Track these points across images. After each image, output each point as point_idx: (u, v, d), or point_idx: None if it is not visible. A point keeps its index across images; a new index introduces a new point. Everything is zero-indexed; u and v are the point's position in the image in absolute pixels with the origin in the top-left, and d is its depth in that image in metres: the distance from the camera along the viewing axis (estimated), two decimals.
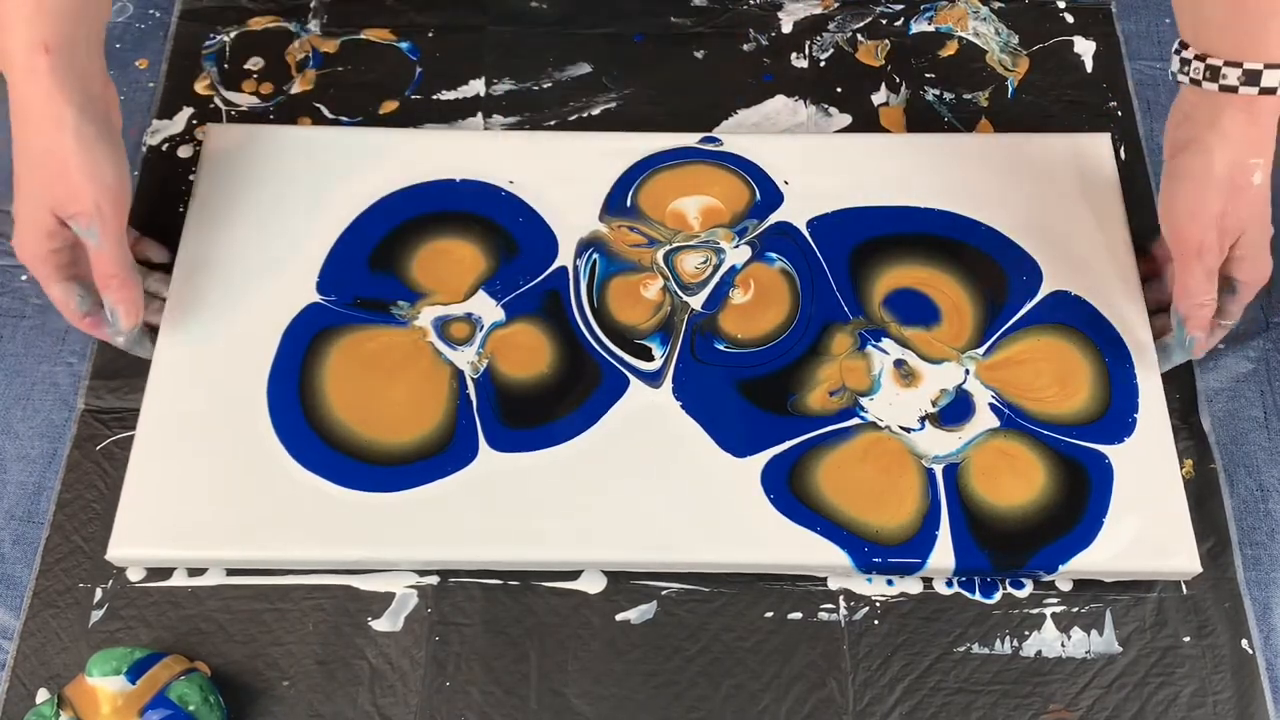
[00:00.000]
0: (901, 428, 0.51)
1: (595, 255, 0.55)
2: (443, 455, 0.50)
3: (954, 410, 0.52)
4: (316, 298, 0.54)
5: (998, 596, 0.49)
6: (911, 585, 0.49)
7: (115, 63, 0.64)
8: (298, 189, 0.57)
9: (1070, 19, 0.65)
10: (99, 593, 0.50)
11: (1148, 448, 0.51)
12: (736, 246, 0.56)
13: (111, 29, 0.65)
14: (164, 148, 0.61)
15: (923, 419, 0.51)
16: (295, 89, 0.62)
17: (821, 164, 0.58)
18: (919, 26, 0.65)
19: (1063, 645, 0.48)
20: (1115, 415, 0.51)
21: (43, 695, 0.48)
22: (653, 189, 0.57)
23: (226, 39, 0.64)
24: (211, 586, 0.50)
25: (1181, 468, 0.51)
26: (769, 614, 0.49)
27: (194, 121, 0.61)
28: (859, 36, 0.64)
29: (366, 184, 0.57)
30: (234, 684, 0.48)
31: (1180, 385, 0.54)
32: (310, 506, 0.49)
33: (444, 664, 0.48)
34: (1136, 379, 0.52)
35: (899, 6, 0.66)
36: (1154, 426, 0.51)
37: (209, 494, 0.49)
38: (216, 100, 0.62)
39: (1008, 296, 0.55)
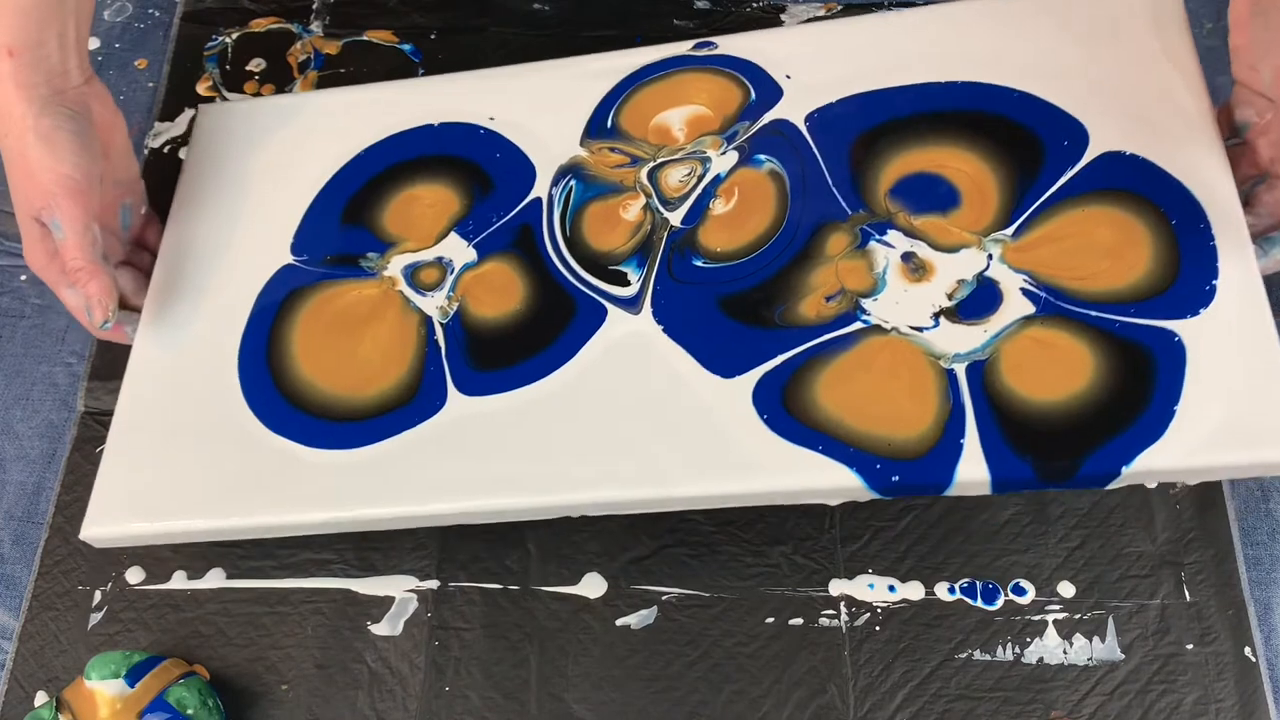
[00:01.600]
0: (912, 327, 0.45)
1: (572, 181, 0.52)
2: (410, 406, 0.47)
3: (976, 301, 0.46)
4: (290, 259, 0.52)
5: (1000, 603, 0.49)
6: (913, 592, 0.49)
7: (115, 63, 0.64)
8: (282, 156, 0.56)
9: None
10: (98, 595, 0.50)
11: (1232, 317, 0.43)
12: (723, 153, 0.51)
13: (111, 29, 0.65)
14: (165, 150, 0.61)
15: (936, 315, 0.45)
16: (297, 90, 0.62)
17: (830, 51, 0.53)
18: None
19: (1065, 652, 0.48)
20: (1188, 284, 0.44)
21: (41, 698, 0.48)
22: (635, 106, 0.54)
23: (228, 40, 0.64)
24: (211, 590, 0.50)
25: None
26: (770, 619, 0.49)
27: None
28: None
29: (349, 140, 0.55)
30: (233, 687, 0.48)
31: None
32: (280, 471, 0.47)
33: (443, 669, 0.48)
34: (1214, 239, 0.44)
35: (904, 9, 0.65)
36: (1240, 291, 0.43)
37: (183, 469, 0.47)
38: (218, 101, 0.62)
39: (1043, 166, 0.48)
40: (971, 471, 0.42)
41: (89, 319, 0.48)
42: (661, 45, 0.55)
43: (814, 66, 0.53)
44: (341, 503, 0.46)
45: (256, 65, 0.63)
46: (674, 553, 0.50)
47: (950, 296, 0.46)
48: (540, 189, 0.52)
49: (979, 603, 0.49)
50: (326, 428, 0.47)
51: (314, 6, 0.65)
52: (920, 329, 0.45)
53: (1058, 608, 0.49)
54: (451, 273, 0.50)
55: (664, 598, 0.49)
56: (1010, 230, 0.47)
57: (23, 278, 0.58)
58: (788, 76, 0.53)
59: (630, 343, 0.47)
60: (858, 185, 0.49)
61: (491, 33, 0.64)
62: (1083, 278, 0.45)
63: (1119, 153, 0.48)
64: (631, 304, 0.48)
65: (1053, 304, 0.45)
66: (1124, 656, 0.48)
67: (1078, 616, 0.49)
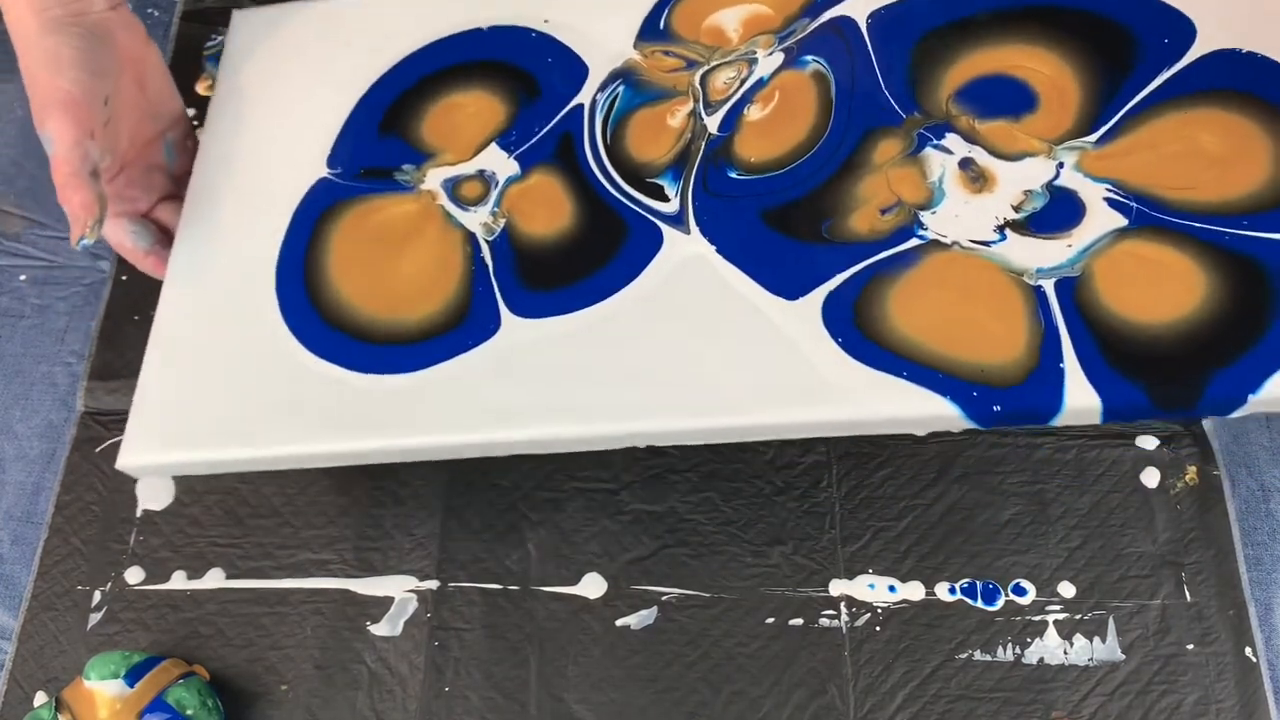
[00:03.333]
0: (975, 241, 0.42)
1: (620, 87, 0.49)
2: (461, 329, 0.44)
3: (1052, 214, 0.42)
4: (325, 173, 0.49)
5: (1000, 603, 0.49)
6: (913, 592, 0.49)
7: None
8: (321, 63, 0.53)
9: None
10: (97, 595, 0.50)
11: None
12: (770, 54, 0.48)
13: None
14: None
15: (1001, 228, 0.42)
16: None
17: None
18: None
19: (1065, 653, 0.48)
20: None
21: (41, 698, 0.48)
22: (690, 5, 0.50)
23: None
24: (210, 590, 0.50)
25: (1184, 474, 0.51)
26: (770, 620, 0.49)
27: (195, 123, 0.61)
28: None
29: (392, 46, 0.52)
30: (232, 688, 0.48)
31: None
32: (326, 397, 0.43)
33: (443, 669, 0.48)
34: None
35: None
36: None
37: (223, 395, 0.44)
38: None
39: (1135, 66, 0.44)
40: (1080, 399, 0.38)
41: (70, 234, 0.45)
42: None
43: None
44: (394, 431, 0.42)
45: None
46: (674, 553, 0.50)
47: (1017, 209, 0.42)
48: (586, 94, 0.49)
49: (979, 603, 0.49)
50: (372, 351, 0.44)
51: None
52: (985, 243, 0.42)
53: (1058, 608, 0.49)
54: (495, 186, 0.47)
55: (664, 598, 0.49)
56: (1093, 137, 0.43)
57: (22, 277, 0.58)
58: None
59: (689, 265, 0.44)
60: (916, 87, 0.46)
61: None
62: (1184, 188, 0.41)
63: (1232, 50, 0.44)
64: (677, 221, 0.45)
65: (1148, 215, 0.41)
66: (1124, 657, 0.48)
67: (1078, 617, 0.49)
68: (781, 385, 0.41)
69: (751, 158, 0.46)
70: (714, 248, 0.44)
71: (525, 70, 0.50)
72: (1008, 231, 0.42)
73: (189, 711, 0.44)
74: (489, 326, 0.44)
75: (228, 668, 0.48)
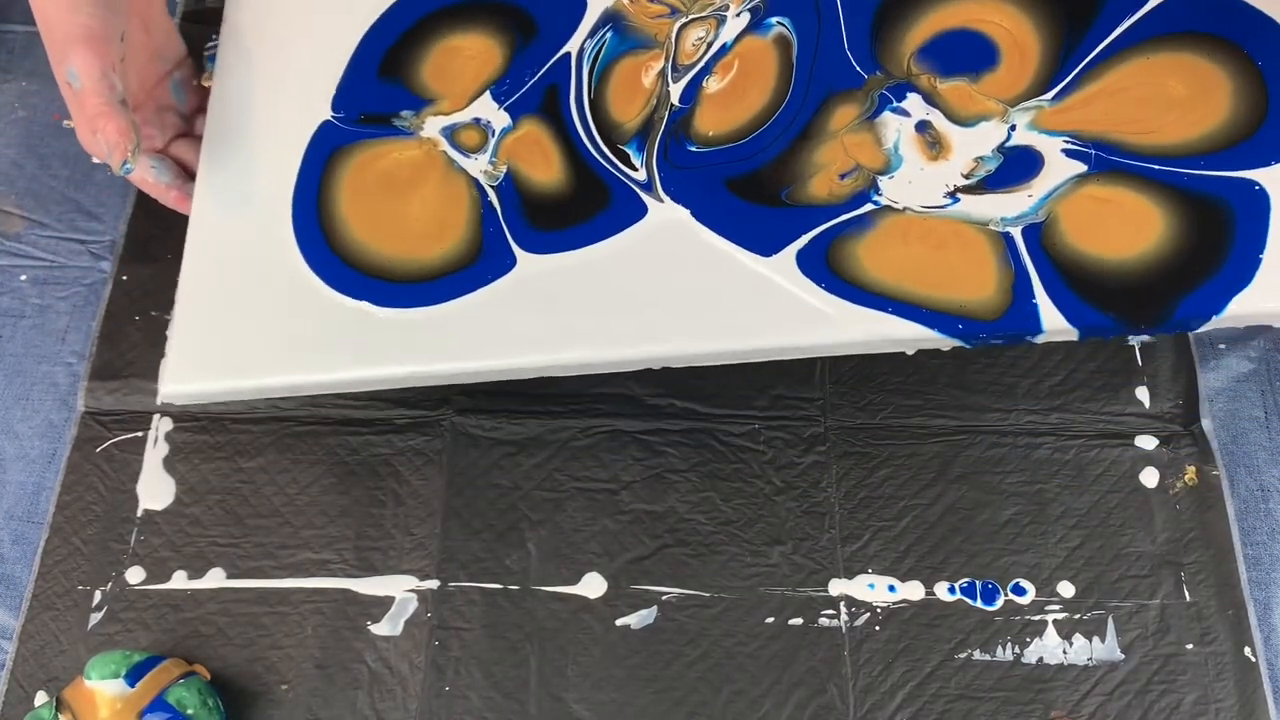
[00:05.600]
0: (925, 207, 0.44)
1: (608, 34, 0.50)
2: (478, 265, 0.46)
3: (1009, 171, 0.43)
4: (328, 115, 0.50)
5: (1000, 603, 0.49)
6: (913, 592, 0.49)
7: None
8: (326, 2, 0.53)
9: None
10: (98, 595, 0.50)
11: None
12: (738, 14, 0.49)
13: None
14: None
15: (952, 193, 0.44)
16: None
17: None
18: None
19: (1064, 652, 0.48)
20: (1276, 128, 0.42)
21: (41, 698, 0.48)
22: None
23: None
24: (211, 590, 0.50)
25: (1184, 474, 0.51)
26: (769, 619, 0.49)
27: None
28: None
29: None
30: (233, 687, 0.48)
31: (1181, 391, 0.54)
32: (356, 328, 0.45)
33: (443, 669, 0.48)
34: None
35: None
36: None
37: (257, 326, 0.46)
38: None
39: (1099, 15, 0.45)
40: (1057, 324, 0.41)
41: (110, 163, 0.46)
42: None
43: None
44: (425, 357, 0.45)
45: None
46: (674, 553, 0.50)
47: (967, 175, 0.44)
48: (576, 41, 0.50)
49: (979, 603, 0.49)
50: (393, 288, 0.46)
51: None
52: (934, 208, 0.43)
53: (1058, 608, 0.49)
54: (492, 136, 0.49)
55: (664, 598, 0.49)
56: (1049, 95, 0.44)
57: (22, 277, 0.58)
58: None
59: (670, 226, 0.45)
60: (879, 45, 0.46)
61: None
62: (1144, 131, 0.43)
63: None
64: (648, 189, 0.46)
65: (1107, 160, 0.43)
66: (1124, 656, 0.48)
67: (1078, 616, 0.49)
68: (779, 314, 0.43)
69: (709, 132, 0.47)
70: (689, 212, 0.46)
71: (523, 9, 0.51)
72: (960, 195, 0.44)
73: (190, 711, 0.44)
74: (505, 262, 0.46)
75: (228, 667, 0.48)
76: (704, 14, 0.49)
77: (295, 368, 0.45)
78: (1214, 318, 0.41)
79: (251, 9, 0.53)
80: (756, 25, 0.49)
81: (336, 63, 0.51)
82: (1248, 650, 0.48)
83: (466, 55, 0.51)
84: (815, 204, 0.45)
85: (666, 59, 0.49)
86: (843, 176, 0.45)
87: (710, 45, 0.49)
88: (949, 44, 0.46)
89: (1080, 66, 0.45)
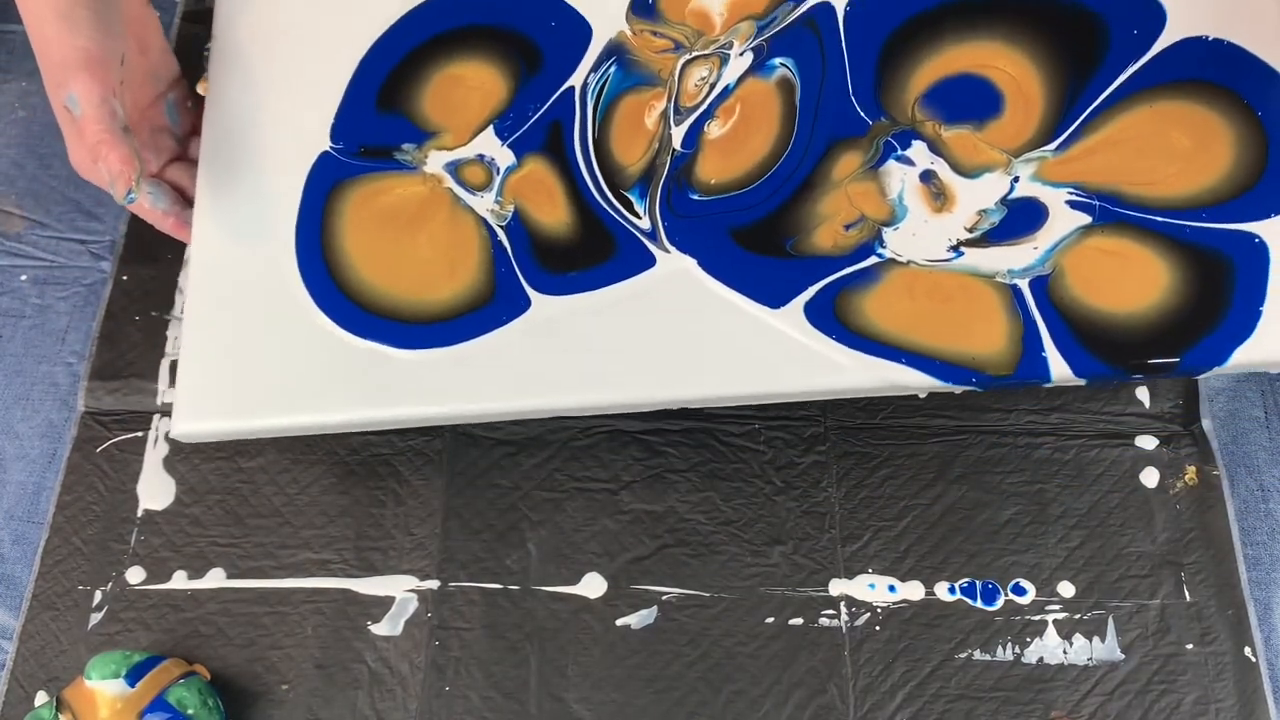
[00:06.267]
0: (929, 260, 0.43)
1: (612, 68, 0.48)
2: (492, 305, 0.45)
3: (1013, 223, 0.43)
4: (328, 146, 0.49)
5: (1000, 603, 0.49)
6: (913, 592, 0.49)
7: None
8: (322, 11, 0.51)
9: None
10: (98, 595, 0.50)
11: None
12: (741, 53, 0.48)
13: None
14: None
15: (955, 247, 0.44)
16: None
17: None
18: None
19: (1065, 652, 0.48)
20: (1276, 181, 0.43)
21: (41, 698, 0.48)
22: None
23: None
24: (211, 590, 0.50)
25: (1184, 474, 0.51)
26: (770, 619, 0.49)
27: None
28: None
29: (393, 1, 0.51)
30: (233, 687, 0.48)
31: (1181, 391, 0.54)
32: (371, 369, 0.45)
33: (443, 669, 0.48)
34: None
35: None
36: None
37: (265, 365, 0.45)
38: None
39: (1103, 62, 0.45)
40: (1066, 374, 0.42)
41: (113, 193, 0.46)
42: None
43: None
44: (444, 398, 0.44)
45: None
46: (674, 553, 0.50)
47: (970, 229, 0.44)
48: (580, 75, 0.49)
49: (979, 603, 0.49)
50: (407, 329, 0.45)
51: None
52: (939, 261, 0.43)
53: (1058, 608, 0.49)
54: (497, 174, 0.48)
55: (664, 598, 0.49)
56: (1052, 146, 0.44)
57: (23, 277, 0.58)
58: None
59: (677, 276, 0.45)
60: (884, 90, 0.46)
61: None
62: (1147, 183, 0.43)
63: (1199, 38, 0.45)
64: (652, 238, 0.46)
65: (1111, 211, 0.43)
66: (1124, 656, 0.48)
67: (1078, 616, 0.49)
68: (791, 360, 0.43)
69: (711, 180, 0.46)
70: (695, 262, 0.45)
71: (528, 37, 0.50)
72: (964, 249, 0.44)
73: (190, 711, 0.44)
74: (519, 303, 0.45)
75: (228, 667, 0.48)
76: (707, 51, 0.48)
77: (308, 409, 0.45)
78: (1217, 368, 0.41)
79: (243, 26, 0.52)
80: (760, 66, 0.48)
81: (333, 89, 0.50)
82: (1248, 650, 0.48)
83: (469, 86, 0.49)
84: (820, 255, 0.44)
85: (669, 99, 0.48)
86: (847, 227, 0.45)
87: (713, 86, 0.48)
88: (954, 90, 0.46)
89: (1084, 115, 0.45)
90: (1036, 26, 0.46)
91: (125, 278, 0.57)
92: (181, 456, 0.53)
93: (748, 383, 0.43)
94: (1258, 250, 0.42)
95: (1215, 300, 0.42)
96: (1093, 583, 0.49)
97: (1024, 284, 0.43)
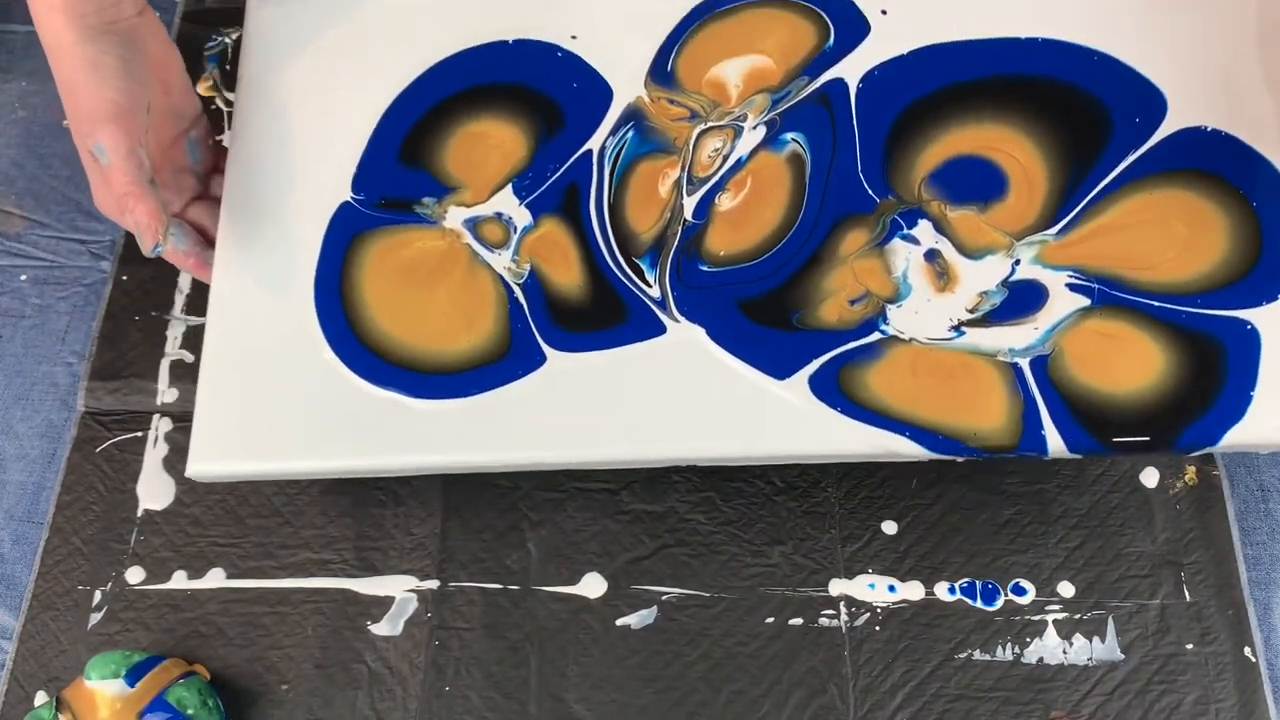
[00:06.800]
0: (931, 339, 0.45)
1: (630, 133, 0.49)
2: (508, 360, 0.46)
3: (1014, 304, 0.45)
4: (349, 196, 0.49)
5: (1000, 603, 0.49)
6: (913, 592, 0.49)
7: None
8: (344, 66, 0.52)
9: None
10: (98, 595, 0.50)
11: None
12: (755, 127, 0.49)
13: None
14: None
15: (957, 327, 0.45)
16: None
17: None
18: None
19: (1064, 652, 0.48)
20: (1268, 270, 0.44)
21: (41, 698, 0.48)
22: (695, 49, 0.50)
23: (228, 40, 0.64)
24: (211, 590, 0.50)
25: (1184, 474, 0.51)
26: (770, 619, 0.49)
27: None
28: None
29: (416, 52, 0.51)
30: (233, 687, 0.48)
31: None
32: (387, 417, 0.45)
33: (443, 669, 0.48)
34: None
35: None
36: None
37: (283, 409, 0.46)
38: (219, 101, 0.62)
39: (1106, 149, 0.46)
40: (1062, 451, 0.43)
41: (140, 244, 0.46)
42: None
43: (906, 1, 0.49)
44: (459, 448, 0.45)
45: None
46: (674, 553, 0.50)
47: (972, 310, 0.45)
48: (599, 138, 0.49)
49: (979, 603, 0.49)
50: (424, 379, 0.46)
51: None
52: (940, 340, 0.45)
53: (1058, 608, 0.49)
54: (514, 232, 0.48)
55: (664, 598, 0.49)
56: (1054, 230, 0.46)
57: (23, 277, 0.58)
58: (884, 12, 0.50)
59: (687, 346, 0.46)
60: (892, 168, 0.47)
61: None
62: (1145, 268, 0.45)
63: (1198, 128, 0.46)
64: (662, 306, 0.47)
65: (1109, 295, 0.44)
66: (1124, 656, 0.48)
67: (1078, 616, 0.49)
68: (797, 426, 0.44)
69: (721, 252, 0.47)
70: (704, 331, 0.46)
71: (550, 97, 0.50)
72: (965, 329, 0.45)
73: (190, 711, 0.44)
74: (535, 358, 0.46)
75: (228, 667, 0.48)
76: (722, 123, 0.49)
77: (324, 454, 0.45)
78: (1209, 448, 0.43)
79: (268, 72, 0.52)
80: (772, 140, 0.49)
81: (356, 140, 0.50)
82: (1248, 650, 0.48)
83: (490, 143, 0.50)
84: (826, 329, 0.45)
85: (683, 168, 0.49)
86: (853, 302, 0.46)
87: (726, 158, 0.49)
88: (960, 171, 0.47)
89: (1085, 201, 0.46)
90: (1042, 111, 0.47)
91: (125, 278, 0.57)
92: (181, 456, 0.53)
93: (753, 445, 0.44)
94: (1249, 336, 0.44)
95: (1208, 384, 0.43)
96: (1093, 583, 0.49)
97: (1024, 363, 0.44)
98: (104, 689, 0.44)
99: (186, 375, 0.54)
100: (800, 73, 0.49)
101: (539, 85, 0.51)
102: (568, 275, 0.47)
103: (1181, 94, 0.47)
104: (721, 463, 0.46)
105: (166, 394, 0.54)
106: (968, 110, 0.48)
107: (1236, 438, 0.43)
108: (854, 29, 0.50)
